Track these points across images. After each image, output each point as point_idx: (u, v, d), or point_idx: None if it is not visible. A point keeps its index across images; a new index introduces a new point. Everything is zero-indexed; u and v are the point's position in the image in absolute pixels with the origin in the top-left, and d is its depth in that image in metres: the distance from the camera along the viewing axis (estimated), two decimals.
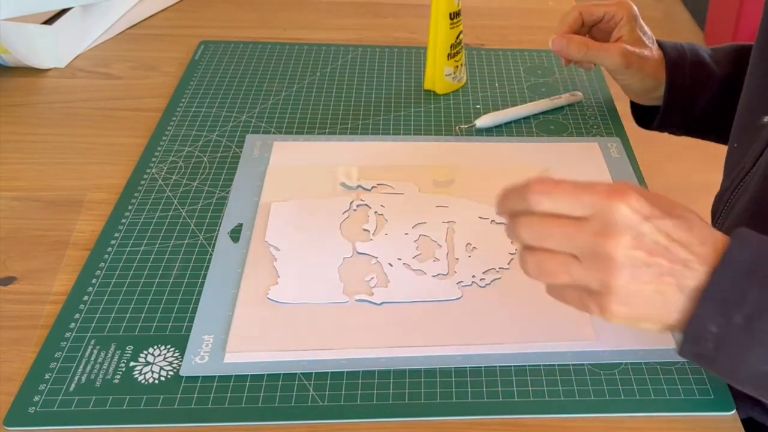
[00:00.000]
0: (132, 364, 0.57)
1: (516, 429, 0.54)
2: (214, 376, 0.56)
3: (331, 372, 0.57)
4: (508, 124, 0.84)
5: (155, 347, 0.58)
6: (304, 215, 0.70)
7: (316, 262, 0.65)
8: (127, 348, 0.58)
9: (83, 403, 0.54)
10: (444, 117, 0.86)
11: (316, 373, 0.57)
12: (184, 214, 0.71)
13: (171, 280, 0.64)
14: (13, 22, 0.87)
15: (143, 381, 0.56)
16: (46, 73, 0.92)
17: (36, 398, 0.54)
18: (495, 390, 0.56)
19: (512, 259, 0.66)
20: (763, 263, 0.49)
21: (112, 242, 0.67)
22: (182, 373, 0.56)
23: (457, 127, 0.83)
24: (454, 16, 0.86)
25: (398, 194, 0.73)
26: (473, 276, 0.64)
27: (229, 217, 0.70)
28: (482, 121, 0.83)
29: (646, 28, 0.84)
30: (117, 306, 0.61)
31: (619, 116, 0.87)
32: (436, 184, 0.75)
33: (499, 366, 0.58)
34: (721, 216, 0.70)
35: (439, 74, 0.88)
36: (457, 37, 0.87)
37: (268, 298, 0.62)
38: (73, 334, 0.59)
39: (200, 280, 0.64)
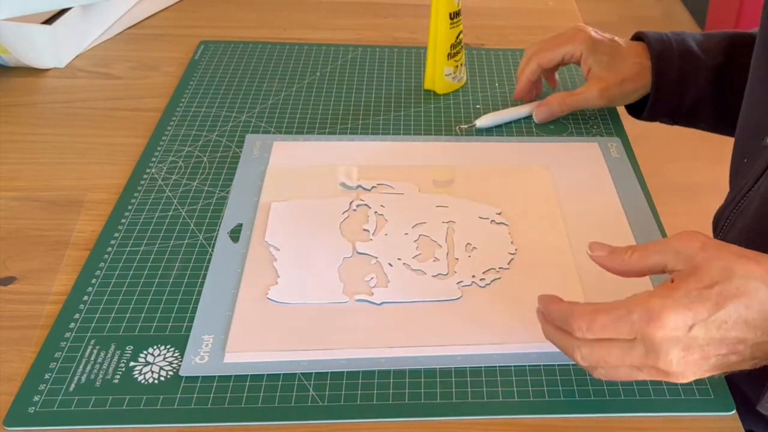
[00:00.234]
0: (132, 364, 0.57)
1: (516, 429, 0.54)
2: (214, 376, 0.56)
3: (331, 372, 0.57)
4: (508, 124, 0.84)
5: (155, 347, 0.58)
6: (304, 215, 0.70)
7: (316, 262, 0.65)
8: (126, 348, 0.58)
9: (83, 403, 0.54)
10: (444, 117, 0.86)
11: (316, 373, 0.57)
12: (183, 214, 0.71)
13: (171, 280, 0.64)
14: (13, 22, 0.87)
15: (143, 381, 0.56)
16: (46, 73, 0.92)
17: (36, 398, 0.54)
18: (495, 390, 0.56)
19: (512, 259, 0.66)
20: None
21: (112, 242, 0.67)
22: (182, 373, 0.56)
23: (457, 128, 0.83)
24: (454, 16, 0.86)
25: (398, 194, 0.73)
26: (473, 276, 0.64)
27: (229, 217, 0.70)
28: (482, 121, 0.83)
29: (610, 44, 0.83)
30: (117, 306, 0.61)
31: (619, 116, 0.87)
32: (436, 184, 0.75)
33: (499, 366, 0.58)
34: (722, 230, 0.70)
35: (439, 74, 0.88)
36: (457, 37, 0.87)
37: (268, 298, 0.62)
38: (73, 334, 0.59)
39: (200, 280, 0.64)
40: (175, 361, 0.57)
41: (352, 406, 0.55)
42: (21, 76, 0.91)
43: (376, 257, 0.66)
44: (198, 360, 0.57)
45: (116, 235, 0.68)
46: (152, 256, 0.66)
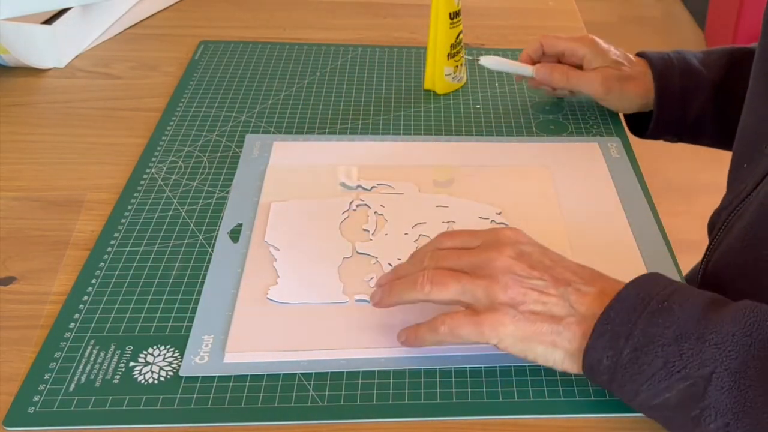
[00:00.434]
0: (132, 364, 0.57)
1: (516, 429, 0.54)
2: (214, 377, 0.56)
3: (331, 372, 0.57)
4: (507, 123, 0.84)
5: (155, 347, 0.58)
6: (304, 215, 0.70)
7: (316, 262, 0.65)
8: (126, 348, 0.58)
9: (83, 403, 0.54)
10: (444, 117, 0.86)
11: (316, 373, 0.57)
12: (183, 214, 0.71)
13: (171, 280, 0.64)
14: (13, 22, 0.87)
15: (143, 381, 0.56)
16: (46, 73, 0.92)
17: (36, 398, 0.54)
18: (495, 390, 0.56)
19: None
20: (653, 299, 0.51)
21: (112, 242, 0.67)
22: (182, 373, 0.56)
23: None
24: (454, 16, 0.86)
25: (398, 194, 0.73)
26: None
27: (229, 217, 0.70)
28: (487, 60, 0.84)
29: (618, 52, 0.84)
30: (117, 306, 0.61)
31: (619, 116, 0.87)
32: (436, 184, 0.75)
33: (499, 366, 0.58)
34: (719, 233, 0.70)
35: (439, 74, 0.88)
36: (457, 37, 0.87)
37: (268, 298, 0.62)
38: (73, 334, 0.59)
39: (200, 280, 0.64)
40: (175, 361, 0.57)
41: (352, 406, 0.55)
42: (21, 76, 0.91)
43: (376, 257, 0.66)
44: (198, 360, 0.57)
45: (116, 235, 0.68)
46: (152, 256, 0.66)
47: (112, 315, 0.61)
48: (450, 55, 0.87)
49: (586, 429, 0.54)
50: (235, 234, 0.68)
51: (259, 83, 0.91)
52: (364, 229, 0.69)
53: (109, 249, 0.67)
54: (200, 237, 0.68)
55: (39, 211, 0.71)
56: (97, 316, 0.60)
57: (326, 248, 0.67)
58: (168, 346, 0.58)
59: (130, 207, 0.71)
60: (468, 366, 0.57)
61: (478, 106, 0.88)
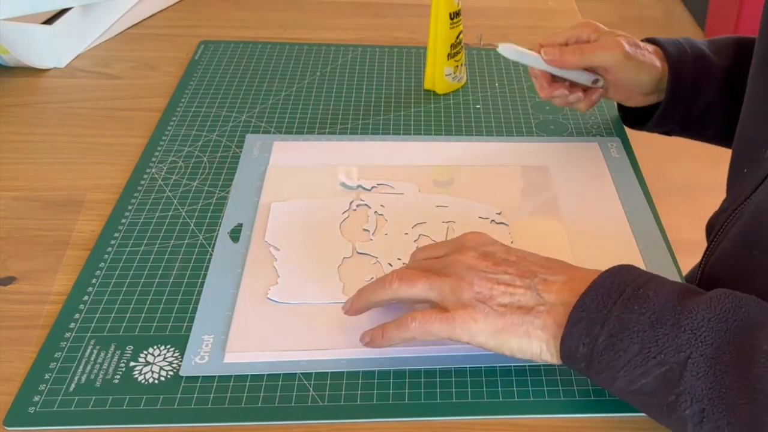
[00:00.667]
0: (132, 364, 0.57)
1: (516, 429, 0.54)
2: (214, 376, 0.56)
3: (331, 372, 0.57)
4: (507, 122, 0.84)
5: (155, 347, 0.58)
6: (304, 215, 0.70)
7: (316, 262, 0.65)
8: (127, 348, 0.58)
9: (83, 403, 0.54)
10: (444, 117, 0.86)
11: (316, 373, 0.57)
12: (184, 214, 0.71)
13: (171, 280, 0.64)
14: (13, 22, 0.87)
15: (143, 381, 0.56)
16: (46, 73, 0.92)
17: (36, 398, 0.54)
18: (495, 390, 0.56)
19: None
20: (628, 286, 0.51)
21: (112, 242, 0.67)
22: (182, 373, 0.56)
23: (478, 39, 0.81)
24: (454, 16, 0.86)
25: (398, 194, 0.73)
26: None
27: (229, 217, 0.70)
28: (505, 49, 0.76)
29: (623, 33, 0.79)
30: (117, 306, 0.61)
31: (619, 116, 0.87)
32: (436, 184, 0.75)
33: (499, 366, 0.58)
34: (717, 236, 0.70)
35: (439, 74, 0.88)
36: (457, 37, 0.87)
37: (268, 298, 0.62)
38: (73, 334, 0.59)
39: (200, 280, 0.64)
40: (175, 361, 0.57)
41: (352, 406, 0.55)
42: (21, 76, 0.91)
43: (376, 257, 0.66)
44: (198, 360, 0.57)
45: (116, 235, 0.68)
46: (152, 256, 0.66)
47: (113, 315, 0.61)
48: (450, 55, 0.88)
49: (586, 429, 0.54)
50: (235, 234, 0.68)
51: (259, 83, 0.91)
52: (364, 229, 0.69)
53: (109, 249, 0.67)
54: (200, 237, 0.68)
55: (39, 211, 0.71)
56: (97, 316, 0.60)
57: (326, 248, 0.67)
58: (168, 346, 0.58)
59: (130, 207, 0.71)
60: (468, 366, 0.57)
61: (478, 106, 0.88)
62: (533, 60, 0.78)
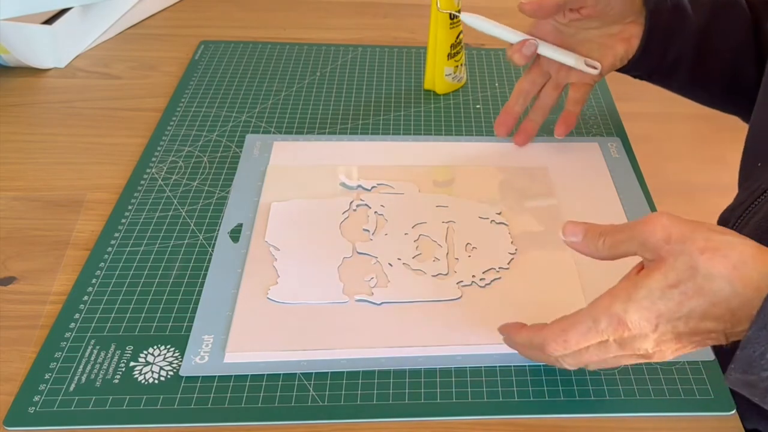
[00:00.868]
0: (132, 364, 0.57)
1: (516, 429, 0.54)
2: (214, 376, 0.56)
3: (331, 372, 0.57)
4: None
5: (155, 347, 0.58)
6: (304, 215, 0.70)
7: (316, 262, 0.65)
8: (127, 348, 0.58)
9: (83, 403, 0.54)
10: (444, 117, 0.86)
11: (316, 373, 0.57)
12: (184, 214, 0.71)
13: (171, 280, 0.64)
14: (13, 22, 0.87)
15: (143, 381, 0.56)
16: (46, 73, 0.92)
17: (36, 398, 0.54)
18: (495, 390, 0.56)
19: (512, 259, 0.66)
20: None
21: (112, 242, 0.67)
22: (182, 373, 0.56)
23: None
24: (454, 16, 0.86)
25: (398, 194, 0.73)
26: (473, 276, 0.64)
27: (229, 217, 0.70)
28: (468, 17, 0.76)
29: None
30: (117, 306, 0.61)
31: (619, 116, 0.87)
32: (436, 184, 0.75)
33: (499, 366, 0.58)
34: (733, 230, 0.70)
35: (439, 74, 0.88)
36: (457, 37, 0.87)
37: (268, 298, 0.62)
38: (73, 334, 0.59)
39: (200, 280, 0.64)
40: (175, 361, 0.57)
41: (352, 406, 0.55)
42: (21, 76, 0.91)
43: (376, 257, 0.66)
44: (198, 360, 0.57)
45: (116, 235, 0.68)
46: (152, 256, 0.66)
47: (113, 315, 0.61)
48: (450, 55, 0.87)
49: (586, 429, 0.54)
50: (235, 234, 0.68)
51: (259, 83, 0.91)
52: (364, 229, 0.69)
53: (109, 249, 0.67)
54: (200, 237, 0.68)
55: (39, 211, 0.71)
56: (97, 316, 0.61)
57: (326, 248, 0.67)
58: (168, 346, 0.58)
59: (130, 207, 0.71)
60: (468, 366, 0.57)
61: (478, 106, 0.88)
62: (499, 32, 0.76)
